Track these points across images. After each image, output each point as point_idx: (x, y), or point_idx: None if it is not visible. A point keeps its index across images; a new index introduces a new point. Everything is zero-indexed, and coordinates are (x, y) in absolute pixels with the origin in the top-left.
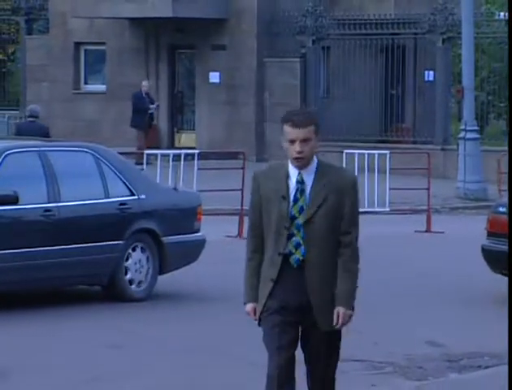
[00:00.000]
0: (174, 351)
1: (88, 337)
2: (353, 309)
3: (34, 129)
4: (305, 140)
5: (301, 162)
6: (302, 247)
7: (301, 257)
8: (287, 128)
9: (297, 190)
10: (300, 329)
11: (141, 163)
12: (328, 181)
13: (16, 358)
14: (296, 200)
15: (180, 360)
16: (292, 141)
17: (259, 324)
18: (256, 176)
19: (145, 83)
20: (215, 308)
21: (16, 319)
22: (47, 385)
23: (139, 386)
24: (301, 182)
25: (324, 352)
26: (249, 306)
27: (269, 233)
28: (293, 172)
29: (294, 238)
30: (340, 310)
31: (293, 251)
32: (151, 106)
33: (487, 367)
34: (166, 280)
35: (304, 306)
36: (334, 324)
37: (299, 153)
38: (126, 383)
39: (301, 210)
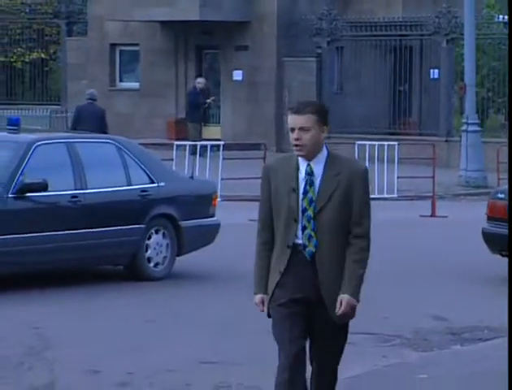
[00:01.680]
0: (201, 324)
1: (120, 312)
2: (358, 300)
3: (92, 110)
4: (303, 129)
5: (301, 151)
6: (314, 239)
7: (313, 250)
8: (289, 116)
9: (306, 182)
10: (307, 316)
11: (195, 153)
12: (339, 172)
13: (58, 329)
14: (305, 192)
15: (209, 332)
16: (292, 129)
17: (268, 315)
18: (266, 169)
19: (199, 80)
20: (236, 286)
21: (50, 297)
22: (87, 355)
23: (173, 355)
24: (310, 173)
25: (331, 344)
26: (258, 297)
27: (279, 225)
28: (303, 164)
29: (306, 231)
30: (344, 298)
31: (307, 244)
32: (207, 101)
33: (486, 340)
34: (185, 261)
35: (313, 299)
36: (336, 311)
37: (296, 140)
38: (161, 353)
39: (311, 202)
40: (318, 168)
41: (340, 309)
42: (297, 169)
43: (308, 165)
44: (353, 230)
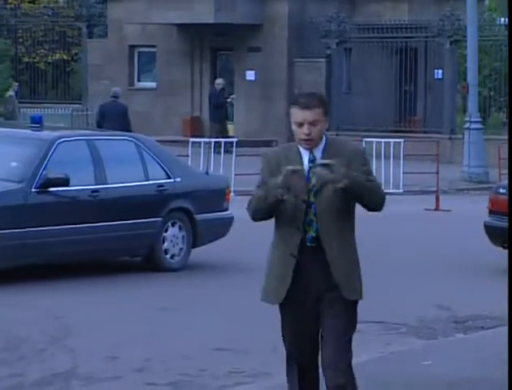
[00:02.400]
0: (216, 313)
1: (138, 302)
2: (347, 184)
3: (115, 107)
4: (313, 123)
5: (309, 145)
6: (314, 224)
7: (313, 235)
8: (295, 111)
9: (309, 169)
10: (318, 309)
11: (220, 152)
12: (338, 153)
13: (78, 318)
14: (309, 180)
15: (223, 320)
16: (301, 124)
17: (280, 305)
18: (267, 156)
19: (218, 81)
20: (249, 276)
21: (72, 287)
22: (106, 342)
23: (189, 342)
24: (313, 160)
25: (342, 325)
26: (287, 169)
27: (283, 210)
28: (305, 152)
29: (307, 217)
30: (341, 168)
31: (307, 229)
32: (228, 100)
33: (488, 328)
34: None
35: (323, 284)
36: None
37: (307, 135)
38: (176, 340)
39: (313, 187)
40: (319, 154)
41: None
42: (300, 156)
43: (311, 152)
44: None
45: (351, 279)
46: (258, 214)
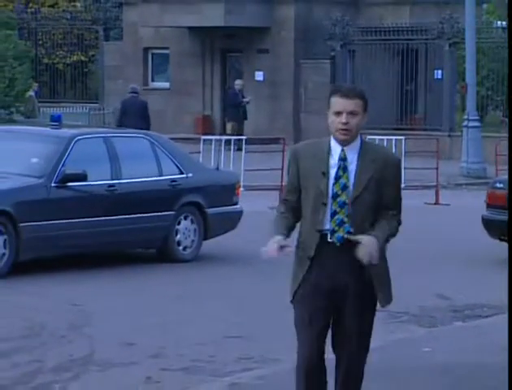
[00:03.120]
0: (226, 302)
1: (152, 291)
2: (380, 245)
3: (135, 103)
4: (352, 113)
5: (346, 135)
6: (346, 225)
7: (344, 235)
8: (335, 99)
9: (339, 167)
10: (331, 310)
11: (241, 149)
12: (374, 159)
13: (96, 307)
14: (338, 177)
15: (233, 309)
16: (339, 113)
17: (291, 301)
18: (295, 151)
19: (238, 81)
20: (258, 267)
21: (90, 277)
22: (123, 329)
23: (200, 330)
24: (343, 159)
25: (356, 331)
26: (278, 238)
27: (306, 207)
28: (336, 149)
29: (337, 216)
30: (364, 238)
31: (336, 229)
32: (244, 100)
33: (486, 317)
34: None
35: (341, 286)
36: (357, 253)
37: (345, 124)
38: (189, 328)
39: (344, 187)
40: (351, 154)
41: (359, 251)
42: (329, 153)
43: (342, 150)
44: (387, 212)
45: (385, 285)
46: None
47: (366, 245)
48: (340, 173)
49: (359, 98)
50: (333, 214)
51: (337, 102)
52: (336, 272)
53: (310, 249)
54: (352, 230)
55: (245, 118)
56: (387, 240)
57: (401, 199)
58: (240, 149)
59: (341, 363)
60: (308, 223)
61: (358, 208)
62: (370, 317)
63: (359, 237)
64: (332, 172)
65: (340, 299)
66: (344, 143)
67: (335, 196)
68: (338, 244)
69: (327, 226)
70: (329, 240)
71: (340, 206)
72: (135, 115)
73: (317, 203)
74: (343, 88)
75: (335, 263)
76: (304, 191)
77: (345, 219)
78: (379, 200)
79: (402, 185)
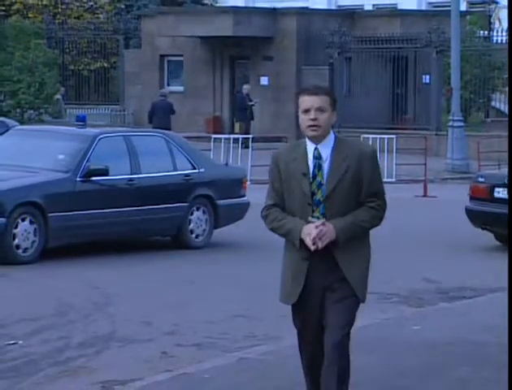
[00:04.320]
0: (234, 285)
1: (168, 275)
2: (339, 240)
3: (163, 105)
4: (319, 109)
5: (316, 131)
6: (320, 220)
7: (310, 219)
8: (302, 98)
9: (314, 166)
10: (324, 302)
11: (248, 147)
12: (347, 155)
13: (118, 289)
14: (314, 176)
15: (241, 291)
16: (307, 110)
17: (294, 304)
18: (275, 157)
19: (246, 86)
20: (262, 254)
21: (111, 261)
22: (141, 309)
23: (212, 310)
24: (318, 157)
25: (342, 317)
26: (306, 227)
27: (293, 211)
28: (311, 148)
29: (313, 214)
30: (326, 226)
31: None
32: (251, 103)
33: (469, 298)
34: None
35: (330, 282)
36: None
37: (313, 120)
38: (201, 308)
39: (320, 185)
40: (325, 152)
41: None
42: (306, 154)
43: (316, 149)
44: (367, 203)
45: (363, 279)
46: (274, 232)
47: (315, 230)
48: (316, 171)
49: (326, 95)
50: (311, 212)
51: (305, 100)
52: (325, 270)
53: (302, 250)
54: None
55: (252, 118)
56: (356, 231)
57: (382, 190)
58: (247, 147)
59: (328, 338)
60: None
61: (333, 205)
62: (352, 310)
63: (317, 223)
64: (310, 171)
65: (328, 293)
66: (315, 141)
67: (312, 194)
68: None
69: None
70: None
71: (316, 205)
72: (163, 114)
73: (303, 204)
74: (309, 87)
75: (322, 262)
76: (288, 194)
77: (320, 217)
78: (358, 194)
79: (393, 179)
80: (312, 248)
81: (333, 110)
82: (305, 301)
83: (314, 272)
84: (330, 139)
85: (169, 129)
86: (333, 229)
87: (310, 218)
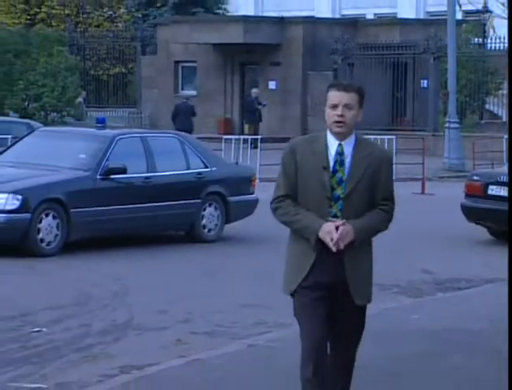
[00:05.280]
0: (244, 276)
1: (182, 267)
2: (355, 239)
3: (185, 107)
4: (347, 106)
5: (341, 128)
6: (340, 218)
7: (330, 219)
8: (331, 93)
9: (335, 161)
10: (329, 300)
11: (256, 147)
12: (368, 154)
13: (135, 280)
14: (335, 171)
15: (250, 282)
16: (335, 106)
17: (292, 295)
18: (292, 147)
19: (254, 90)
20: (271, 247)
21: (129, 254)
22: (157, 299)
23: (223, 300)
24: (341, 153)
25: (351, 328)
26: (327, 225)
27: (306, 204)
28: (332, 143)
29: (331, 209)
30: (346, 224)
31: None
32: (260, 106)
33: (464, 288)
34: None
35: (338, 280)
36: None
37: (340, 116)
38: (213, 298)
39: (341, 181)
40: (347, 149)
41: (338, 231)
42: (326, 148)
43: (339, 145)
44: (380, 206)
45: (363, 284)
46: (286, 226)
47: (337, 230)
48: (337, 167)
49: (355, 93)
50: (329, 206)
51: (334, 95)
52: (334, 267)
53: (314, 243)
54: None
55: (261, 120)
56: (371, 233)
57: (393, 194)
58: (256, 147)
59: (335, 350)
60: None
61: (352, 202)
62: (362, 314)
63: (338, 222)
64: (331, 166)
65: (337, 292)
66: (340, 137)
67: (331, 189)
68: None
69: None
70: None
71: (335, 200)
72: (184, 116)
73: (321, 198)
74: (340, 83)
75: (332, 257)
76: (303, 187)
77: (338, 213)
78: (373, 195)
79: (393, 177)
80: (334, 249)
81: (360, 107)
82: (306, 292)
83: (319, 266)
84: (352, 138)
85: (191, 129)
86: (352, 229)
87: (329, 218)
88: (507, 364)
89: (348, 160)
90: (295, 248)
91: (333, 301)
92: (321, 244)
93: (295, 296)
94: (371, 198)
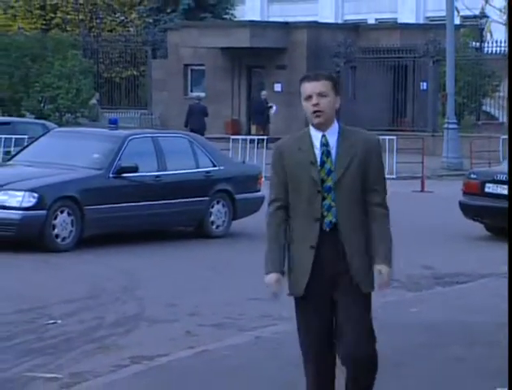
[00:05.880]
0: (251, 270)
1: (190, 261)
2: (391, 266)
3: (198, 107)
4: (321, 94)
5: (320, 117)
6: (334, 209)
7: (333, 220)
8: (303, 86)
9: (322, 153)
10: (334, 298)
11: (263, 147)
12: (354, 142)
13: (145, 274)
14: (322, 163)
15: (256, 276)
16: (309, 97)
17: (302, 297)
18: (278, 148)
19: (264, 92)
20: None
21: (140, 249)
22: (167, 292)
23: (229, 293)
24: (326, 144)
25: (357, 312)
26: (273, 276)
27: (299, 201)
28: (316, 136)
29: (325, 201)
30: (382, 269)
31: (325, 214)
32: (271, 110)
33: (462, 283)
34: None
35: (341, 271)
36: (378, 283)
37: (316, 105)
38: (220, 291)
39: (329, 172)
40: (332, 139)
41: (381, 281)
42: (311, 142)
43: (323, 136)
44: (371, 198)
45: (367, 270)
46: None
47: (384, 277)
48: (324, 158)
49: (326, 79)
50: (322, 200)
51: (306, 87)
52: (334, 259)
53: (310, 238)
54: (339, 214)
55: (269, 122)
56: (390, 245)
57: (385, 179)
58: (262, 147)
59: (344, 352)
60: (302, 214)
61: (343, 191)
62: (367, 300)
63: (379, 268)
64: (318, 159)
65: (338, 285)
66: (321, 128)
67: (321, 181)
68: (328, 229)
69: (320, 213)
70: (322, 227)
71: (327, 191)
72: (198, 116)
73: (312, 192)
74: (309, 74)
75: (331, 249)
76: (293, 185)
77: (332, 204)
78: (364, 182)
79: (394, 176)
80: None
81: (336, 95)
82: (313, 293)
83: (322, 261)
84: (335, 127)
85: (204, 129)
86: (387, 272)
87: (326, 229)
88: (507, 355)
89: (333, 150)
90: (294, 249)
91: (337, 289)
92: (318, 239)
93: (301, 300)
94: (363, 185)
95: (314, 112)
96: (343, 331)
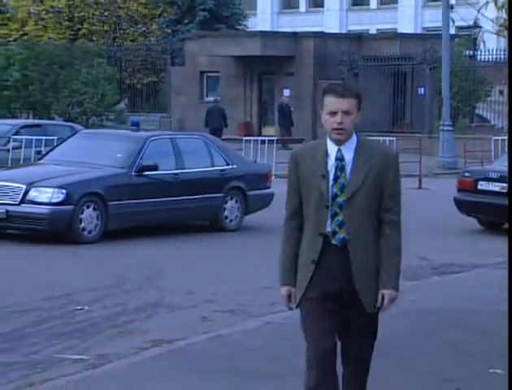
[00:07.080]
0: (262, 260)
1: (207, 253)
2: (398, 290)
3: (216, 109)
4: (346, 112)
5: (341, 135)
6: (345, 226)
7: (346, 236)
8: (329, 99)
9: (336, 167)
10: (338, 311)
11: (289, 148)
12: (370, 157)
13: (166, 264)
14: (336, 178)
15: (267, 266)
16: (334, 113)
17: (297, 307)
18: (294, 156)
19: (284, 97)
20: None
21: (161, 242)
22: (185, 281)
23: (242, 282)
24: (340, 159)
25: (362, 333)
26: (285, 289)
27: (308, 213)
28: (332, 149)
29: (337, 217)
30: (385, 293)
31: (337, 230)
32: (291, 110)
33: (456, 273)
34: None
35: (345, 288)
36: (378, 305)
37: (340, 124)
38: (234, 280)
39: (343, 187)
40: (348, 154)
41: (381, 304)
42: (326, 155)
43: (338, 150)
44: (385, 217)
45: (374, 290)
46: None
47: (385, 302)
48: (338, 173)
49: (353, 97)
50: (334, 215)
51: (332, 102)
52: (340, 274)
53: (314, 252)
54: (351, 230)
55: (292, 124)
56: (400, 253)
57: (399, 196)
58: (285, 148)
59: (347, 356)
60: (311, 225)
61: (355, 208)
62: (372, 320)
63: (382, 292)
64: (331, 173)
65: (346, 300)
66: (339, 142)
67: (334, 197)
68: (340, 245)
69: (329, 228)
70: (332, 242)
71: (340, 207)
72: (216, 116)
73: (319, 206)
74: (337, 88)
75: (338, 265)
76: (305, 193)
77: (344, 220)
78: (379, 198)
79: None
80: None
81: (358, 111)
82: (313, 304)
83: (327, 274)
84: (353, 140)
85: (222, 129)
86: (391, 293)
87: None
88: (507, 344)
89: (349, 165)
90: (301, 259)
91: (343, 311)
92: (321, 253)
93: (302, 307)
94: (377, 202)
95: (336, 129)
96: (345, 349)
